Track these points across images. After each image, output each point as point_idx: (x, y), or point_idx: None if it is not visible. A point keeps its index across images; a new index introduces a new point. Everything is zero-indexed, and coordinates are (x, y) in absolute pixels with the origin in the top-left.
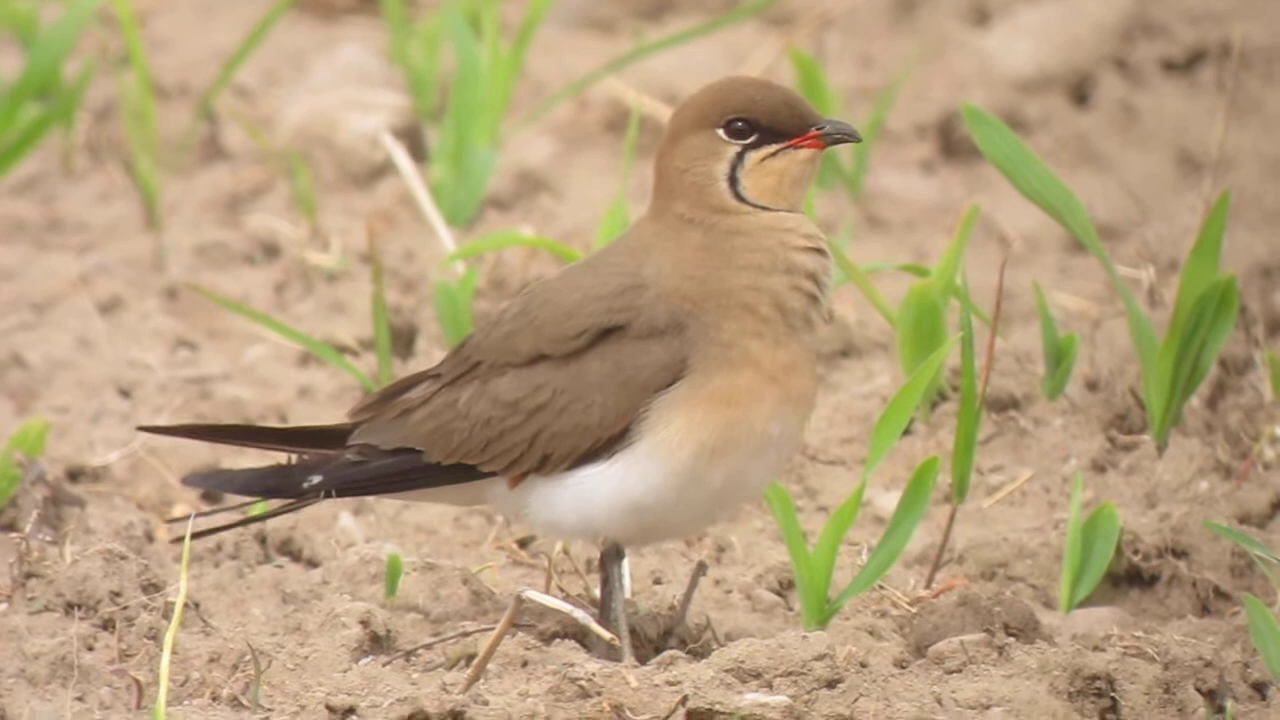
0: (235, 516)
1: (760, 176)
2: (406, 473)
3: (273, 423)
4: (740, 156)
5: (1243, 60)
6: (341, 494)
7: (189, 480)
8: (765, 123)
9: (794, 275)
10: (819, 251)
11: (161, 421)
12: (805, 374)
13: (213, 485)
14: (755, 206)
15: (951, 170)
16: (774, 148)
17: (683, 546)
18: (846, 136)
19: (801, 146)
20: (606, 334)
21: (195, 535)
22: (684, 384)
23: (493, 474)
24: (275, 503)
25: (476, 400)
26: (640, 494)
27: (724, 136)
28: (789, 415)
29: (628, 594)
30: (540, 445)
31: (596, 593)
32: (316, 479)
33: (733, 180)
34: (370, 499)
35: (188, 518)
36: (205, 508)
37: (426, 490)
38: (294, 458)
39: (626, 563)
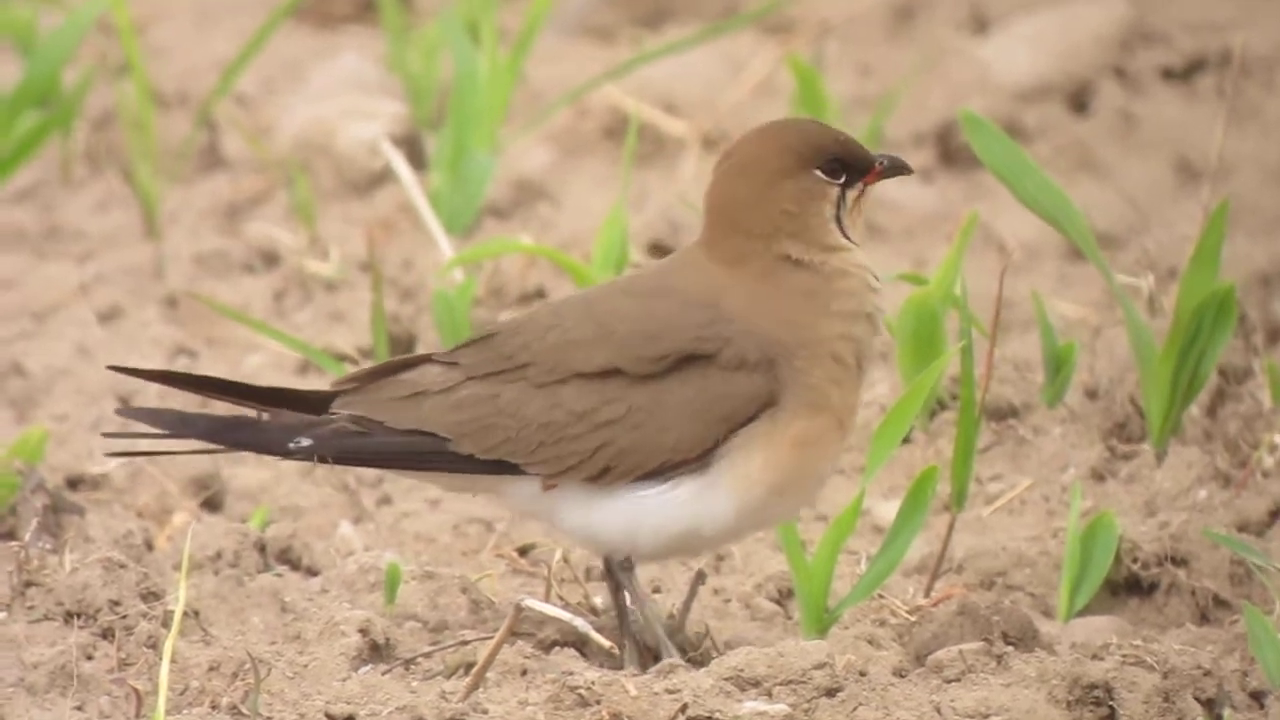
0: (197, 446)
1: (855, 215)
2: (423, 454)
3: None
4: (842, 195)
5: (1242, 68)
6: (339, 462)
7: (124, 412)
8: (851, 161)
9: (872, 321)
10: (878, 291)
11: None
12: (856, 411)
13: (163, 424)
14: (853, 244)
15: (950, 179)
16: (861, 186)
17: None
18: (903, 169)
19: (870, 182)
20: (691, 360)
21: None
22: (766, 421)
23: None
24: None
25: (528, 402)
26: (703, 522)
27: (823, 177)
28: (841, 453)
29: (628, 602)
30: (603, 457)
31: (596, 601)
32: (305, 441)
33: (839, 221)
34: (368, 504)
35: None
36: (203, 514)
37: (437, 474)
38: (264, 415)
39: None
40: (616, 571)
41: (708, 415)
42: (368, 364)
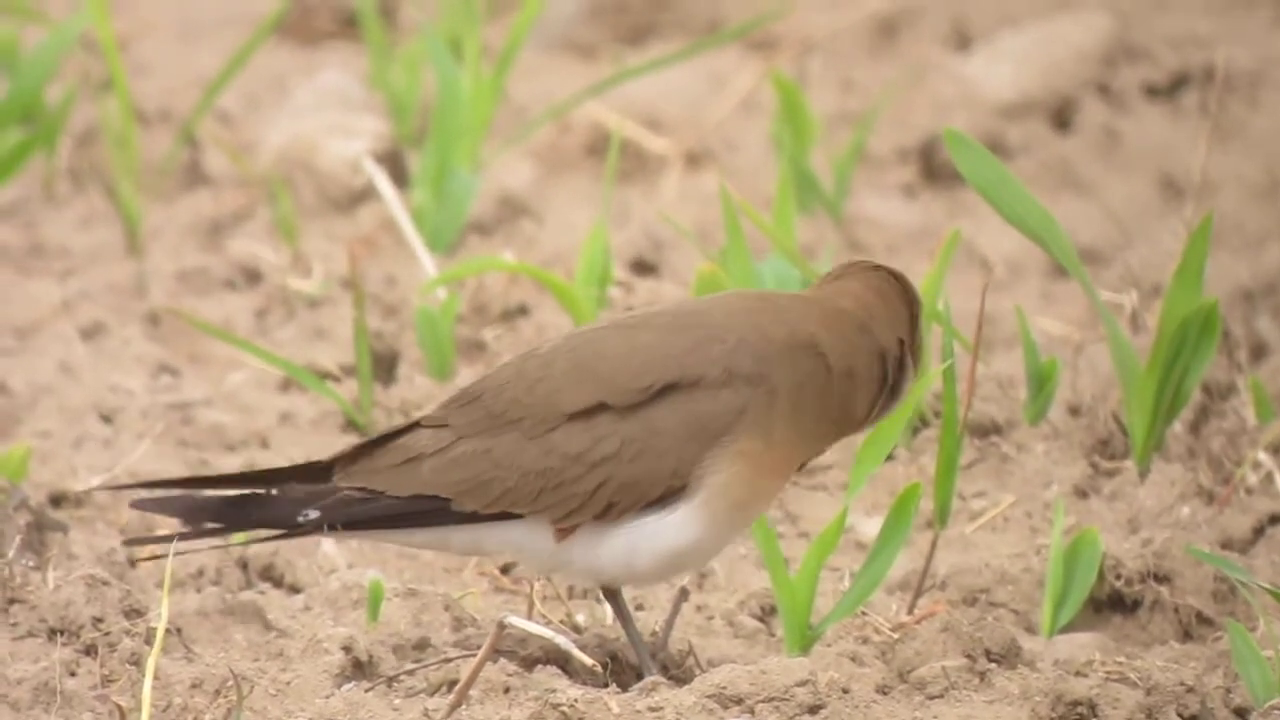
0: (216, 542)
1: None
2: (428, 514)
3: (254, 449)
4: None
5: (1225, 84)
6: (347, 529)
7: (139, 504)
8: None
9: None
10: None
11: (144, 447)
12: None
13: (177, 512)
14: None
15: (933, 195)
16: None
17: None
18: None
19: None
20: (675, 385)
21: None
22: (745, 435)
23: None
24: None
25: (521, 451)
26: (689, 541)
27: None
28: (774, 501)
29: (609, 620)
30: (605, 494)
31: (579, 619)
32: (313, 514)
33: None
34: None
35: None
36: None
37: (447, 535)
38: (272, 490)
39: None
40: (607, 596)
41: (704, 434)
42: (350, 382)
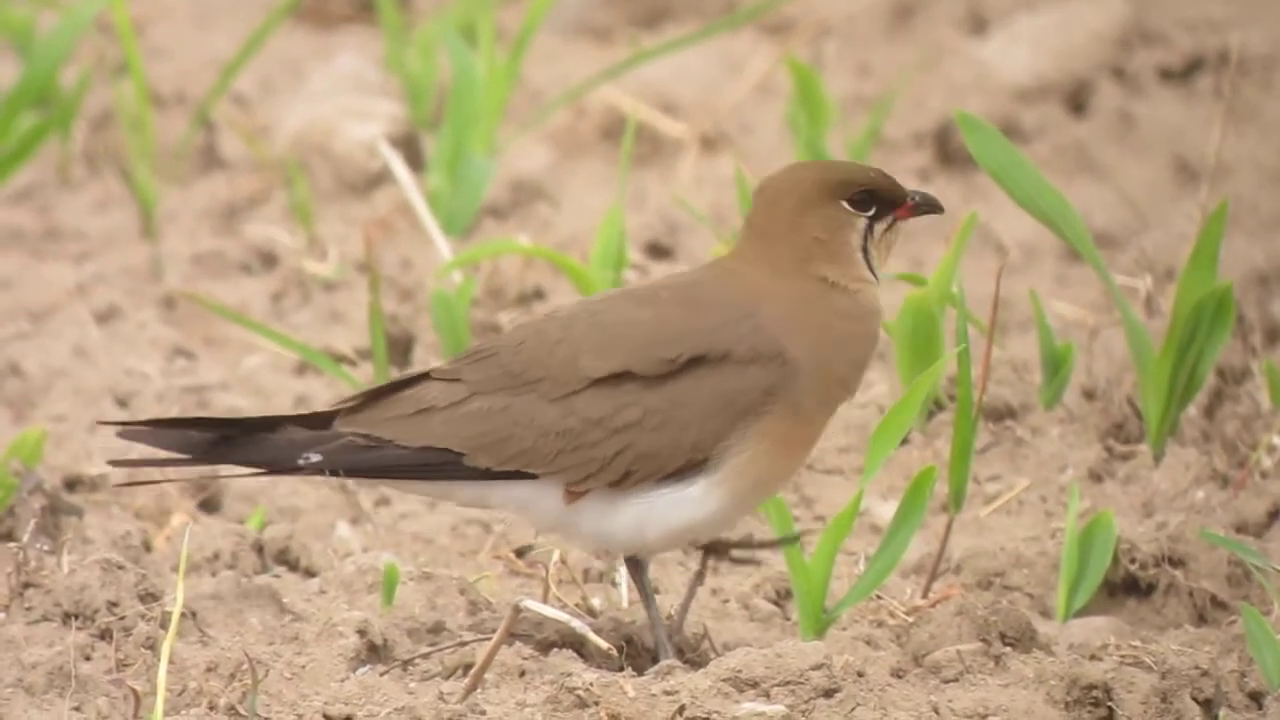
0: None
1: (881, 249)
2: (437, 466)
3: None
4: (870, 228)
5: (1240, 68)
6: (350, 475)
7: (127, 434)
8: (880, 195)
9: (870, 358)
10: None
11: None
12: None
13: (167, 445)
14: (874, 278)
15: (948, 179)
16: (889, 220)
17: (680, 556)
18: (934, 207)
19: (901, 217)
20: (704, 359)
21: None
22: (767, 415)
23: (547, 483)
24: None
25: (541, 412)
26: (701, 515)
27: (849, 209)
28: (798, 469)
29: (624, 604)
30: (623, 461)
31: (594, 602)
32: (314, 457)
33: (865, 251)
34: (366, 505)
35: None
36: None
37: (452, 488)
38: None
39: (625, 572)
40: (632, 570)
41: (729, 410)
42: (366, 365)
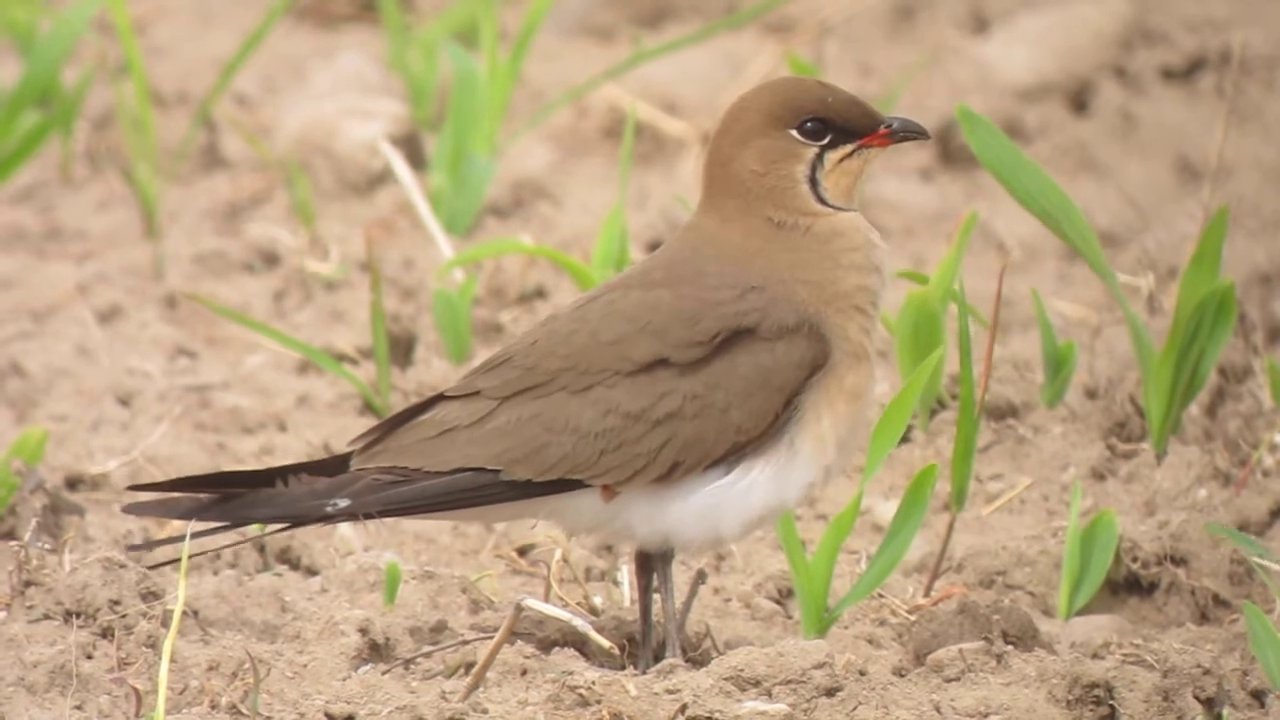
0: (235, 536)
1: (838, 177)
2: (475, 490)
3: (272, 432)
4: (819, 157)
5: (1242, 68)
6: (384, 515)
7: (137, 509)
8: (839, 122)
9: (880, 273)
10: (880, 247)
11: (161, 430)
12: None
13: (183, 515)
14: (834, 208)
15: (950, 177)
16: (849, 148)
17: (682, 555)
18: (916, 133)
19: (872, 145)
20: (734, 337)
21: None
22: (820, 380)
23: (587, 486)
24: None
25: (576, 413)
26: (791, 493)
27: (799, 138)
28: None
29: (627, 602)
30: (670, 453)
31: (596, 601)
32: (342, 502)
33: (813, 182)
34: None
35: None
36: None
37: (491, 509)
38: (290, 482)
39: (626, 570)
40: (658, 563)
41: (766, 387)
42: (367, 364)
